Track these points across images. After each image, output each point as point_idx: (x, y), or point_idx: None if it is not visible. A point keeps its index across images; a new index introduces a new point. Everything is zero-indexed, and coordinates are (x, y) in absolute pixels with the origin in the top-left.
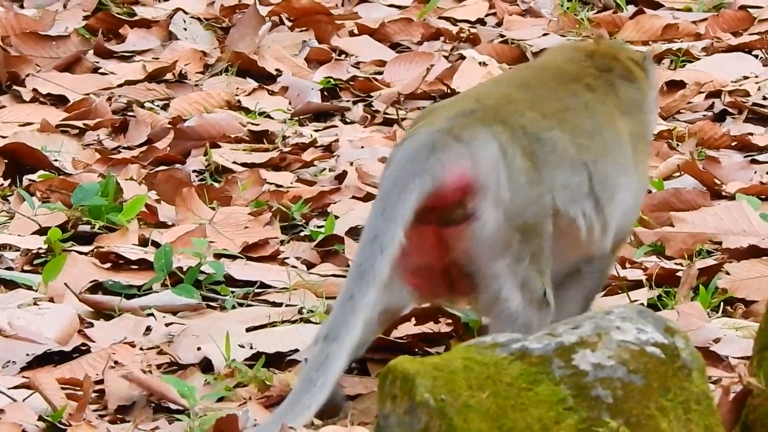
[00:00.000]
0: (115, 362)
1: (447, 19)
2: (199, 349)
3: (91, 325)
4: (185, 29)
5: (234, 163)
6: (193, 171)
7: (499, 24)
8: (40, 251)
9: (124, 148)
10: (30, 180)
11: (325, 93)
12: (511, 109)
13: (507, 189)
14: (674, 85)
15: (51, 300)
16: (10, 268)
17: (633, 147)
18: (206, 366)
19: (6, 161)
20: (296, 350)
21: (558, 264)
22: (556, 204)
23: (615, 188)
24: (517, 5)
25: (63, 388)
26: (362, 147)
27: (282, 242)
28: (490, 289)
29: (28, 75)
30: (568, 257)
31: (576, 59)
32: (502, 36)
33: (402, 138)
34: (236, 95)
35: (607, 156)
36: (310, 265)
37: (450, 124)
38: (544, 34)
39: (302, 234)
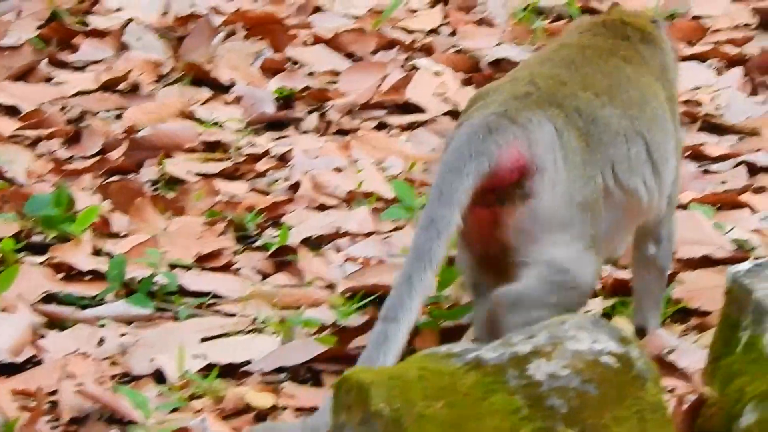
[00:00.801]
0: (69, 373)
1: (401, 29)
2: (152, 359)
3: (44, 336)
4: (139, 39)
5: (188, 173)
6: (147, 181)
7: (453, 34)
8: None
9: (78, 158)
10: None
11: (280, 103)
12: (565, 92)
13: (563, 169)
14: None
15: (3, 310)
16: None
17: (671, 111)
18: (160, 377)
19: None
20: (250, 361)
21: (623, 235)
22: (617, 177)
23: (667, 153)
24: (471, 15)
25: (16, 400)
26: (316, 157)
27: (236, 252)
28: (539, 258)
29: None
30: (632, 226)
31: (598, 32)
32: (456, 45)
33: (458, 122)
34: (190, 105)
35: (656, 123)
36: (264, 276)
37: (505, 107)
38: (498, 44)
39: (256, 244)
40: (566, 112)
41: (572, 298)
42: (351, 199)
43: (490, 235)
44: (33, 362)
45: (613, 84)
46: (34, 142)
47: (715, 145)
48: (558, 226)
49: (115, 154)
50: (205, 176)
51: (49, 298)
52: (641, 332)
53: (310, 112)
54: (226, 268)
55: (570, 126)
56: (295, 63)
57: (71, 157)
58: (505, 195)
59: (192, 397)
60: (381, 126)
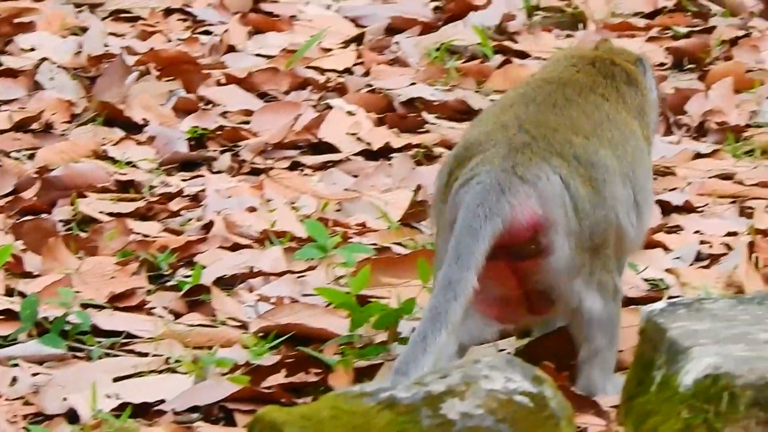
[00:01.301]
0: None
1: (314, 68)
2: (65, 399)
3: None
4: (52, 79)
5: (101, 212)
6: (60, 221)
7: (366, 73)
8: None
9: None
10: None
11: (192, 142)
12: (559, 139)
13: (575, 219)
14: None
15: None
16: None
17: (647, 150)
18: (72, 416)
19: None
20: (163, 400)
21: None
22: (619, 218)
23: (647, 193)
24: (385, 55)
25: None
26: (229, 197)
27: (149, 292)
28: (570, 304)
29: None
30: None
31: (582, 68)
32: (369, 85)
33: (465, 178)
34: (103, 145)
35: (637, 162)
36: (177, 315)
37: (511, 162)
38: (412, 83)
39: (169, 284)
40: (567, 161)
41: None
42: (264, 239)
43: (511, 286)
44: None
45: (596, 125)
46: None
47: None
48: (576, 269)
49: (28, 194)
50: (118, 216)
51: None
52: None
53: (223, 152)
54: (139, 307)
55: (574, 174)
56: (208, 103)
57: None
58: (523, 251)
59: None
60: (294, 166)
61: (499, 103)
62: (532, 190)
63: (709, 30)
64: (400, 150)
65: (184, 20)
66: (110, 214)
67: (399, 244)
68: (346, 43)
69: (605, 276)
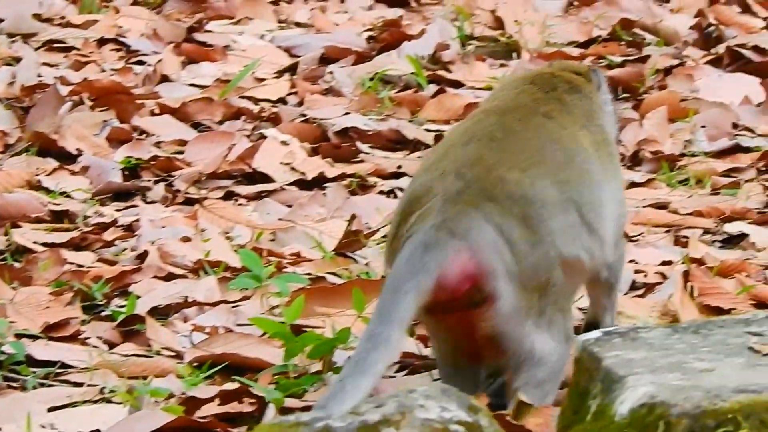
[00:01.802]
0: None
1: (248, 98)
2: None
3: None
4: None
5: (35, 243)
6: None
7: (300, 103)
8: None
9: None
10: None
11: (126, 172)
12: (493, 179)
13: (513, 262)
14: None
15: None
16: None
17: (599, 156)
18: None
19: None
20: (98, 430)
21: (574, 290)
22: (561, 252)
23: (600, 206)
24: (319, 84)
25: None
26: (163, 227)
27: (83, 322)
28: (521, 348)
29: None
30: (581, 282)
31: (523, 89)
32: (303, 115)
33: (404, 238)
34: (37, 175)
35: (584, 179)
36: (111, 345)
37: (442, 216)
38: (346, 113)
39: (103, 314)
40: (501, 204)
41: (565, 359)
42: (198, 269)
43: (467, 335)
44: None
45: (536, 151)
46: None
47: None
48: (524, 312)
49: None
50: (52, 246)
51: None
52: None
53: (157, 182)
54: (73, 337)
55: (508, 216)
56: (142, 133)
57: None
58: (467, 301)
59: None
60: (228, 195)
61: (442, 143)
62: (463, 244)
63: (644, 59)
64: (334, 180)
65: (118, 50)
66: (44, 244)
67: (333, 273)
68: (280, 73)
69: (557, 317)
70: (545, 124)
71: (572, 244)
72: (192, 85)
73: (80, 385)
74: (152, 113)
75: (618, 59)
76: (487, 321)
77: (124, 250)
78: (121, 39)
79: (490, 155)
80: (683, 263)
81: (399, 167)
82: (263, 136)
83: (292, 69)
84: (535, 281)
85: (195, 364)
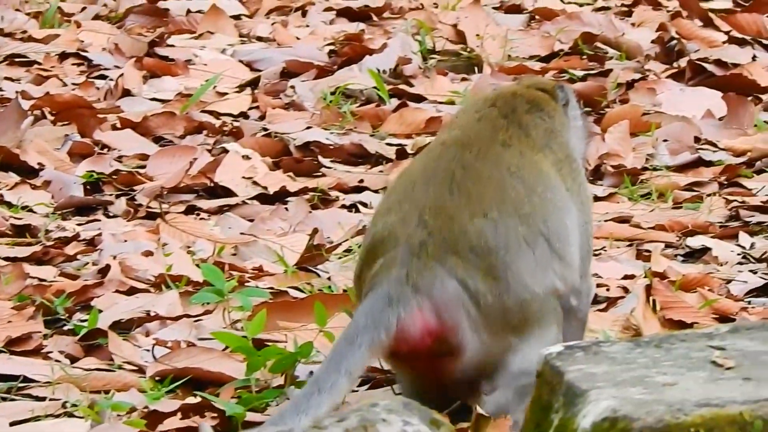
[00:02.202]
0: None
1: (210, 112)
2: None
3: None
4: None
5: None
6: None
7: (262, 117)
8: None
9: None
10: None
11: (88, 187)
12: (456, 231)
13: (479, 315)
14: None
15: None
16: None
17: (562, 176)
18: None
19: None
20: None
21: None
22: (533, 290)
23: (566, 231)
24: (280, 99)
25: None
26: (125, 241)
27: (45, 336)
28: (496, 379)
29: None
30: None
31: (484, 114)
32: (265, 129)
33: (368, 286)
34: None
35: (548, 207)
36: (73, 359)
37: (405, 269)
38: (308, 127)
39: (66, 328)
40: (464, 258)
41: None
42: (160, 283)
43: (434, 379)
44: None
45: (497, 190)
46: None
47: None
48: (501, 351)
49: None
50: (14, 260)
51: None
52: None
53: (118, 196)
54: (35, 352)
55: (472, 270)
56: (104, 147)
57: None
58: (431, 353)
59: None
60: (190, 210)
61: (403, 179)
62: (425, 300)
63: (606, 73)
64: (296, 194)
65: (80, 65)
66: (6, 259)
67: (295, 288)
68: (242, 87)
69: (529, 351)
70: (503, 156)
71: (544, 278)
72: (153, 99)
73: (42, 399)
74: (114, 127)
75: (580, 73)
76: (455, 369)
77: (86, 264)
78: (83, 53)
79: (451, 201)
80: (645, 277)
81: (361, 181)
82: (225, 151)
83: (253, 83)
84: (507, 325)
85: (157, 378)
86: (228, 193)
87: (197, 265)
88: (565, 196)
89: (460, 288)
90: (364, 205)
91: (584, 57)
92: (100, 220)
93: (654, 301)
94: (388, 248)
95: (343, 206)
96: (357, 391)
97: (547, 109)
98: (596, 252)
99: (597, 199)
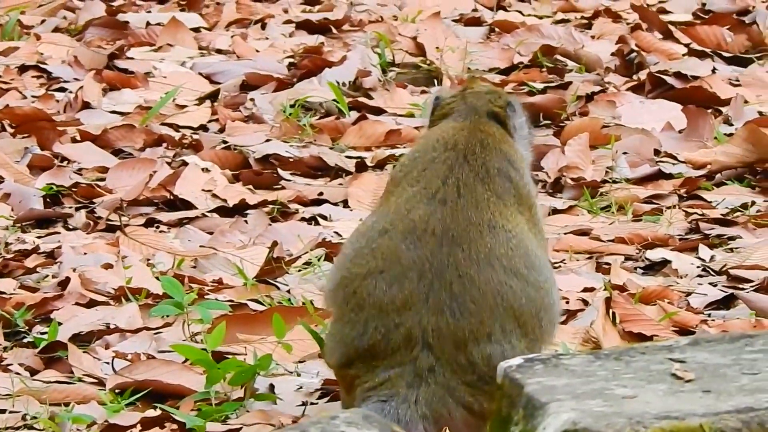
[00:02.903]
0: None
1: (169, 125)
2: None
3: None
4: None
5: None
6: None
7: (221, 130)
8: None
9: None
10: None
11: (48, 200)
12: (463, 360)
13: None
14: None
15: None
16: None
17: (533, 231)
18: None
19: None
20: None
21: None
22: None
23: (538, 259)
24: (240, 111)
25: None
26: (85, 253)
27: (5, 349)
28: None
29: None
30: None
31: (446, 161)
32: (224, 142)
33: (369, 386)
34: None
35: (542, 299)
36: (33, 372)
37: (414, 393)
38: (267, 140)
39: (25, 340)
40: (472, 385)
41: None
42: (120, 296)
43: None
44: None
45: (495, 298)
46: None
47: None
48: None
49: None
50: None
51: None
52: None
53: (78, 209)
54: None
55: (480, 395)
56: (63, 160)
57: None
58: None
59: None
60: (149, 222)
61: (384, 245)
62: (433, 427)
63: (565, 86)
64: (255, 206)
65: (39, 77)
66: None
67: (255, 300)
68: (201, 100)
69: None
70: (493, 246)
71: (545, 320)
72: (113, 112)
73: (2, 411)
74: (73, 140)
75: (539, 86)
76: None
77: (46, 276)
78: (43, 66)
79: (454, 322)
80: (605, 290)
81: (320, 194)
82: (184, 163)
83: (213, 96)
84: None
85: (117, 390)
86: (187, 205)
87: (157, 278)
88: (546, 263)
89: (468, 416)
90: (324, 217)
91: (544, 69)
92: (59, 233)
93: (614, 313)
94: (388, 355)
95: (303, 219)
96: (317, 403)
97: (505, 149)
98: (556, 265)
99: (557, 212)
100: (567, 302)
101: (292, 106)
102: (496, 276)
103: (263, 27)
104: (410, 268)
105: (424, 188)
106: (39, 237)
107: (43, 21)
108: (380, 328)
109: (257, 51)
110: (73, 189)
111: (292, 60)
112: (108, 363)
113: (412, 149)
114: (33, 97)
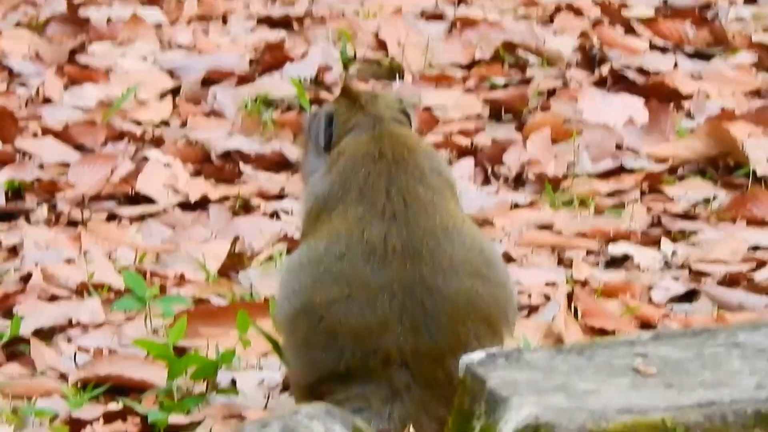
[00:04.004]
0: None
1: (131, 120)
2: None
3: None
4: None
5: None
6: None
7: (183, 125)
8: None
9: None
10: None
11: (9, 195)
12: (441, 376)
13: None
14: None
15: None
16: None
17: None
18: None
19: None
20: None
21: None
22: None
23: (502, 264)
24: (201, 106)
25: None
26: (47, 248)
27: None
28: None
29: None
30: None
31: (380, 167)
32: (186, 137)
33: (341, 397)
34: None
35: (484, 250)
36: None
37: (387, 409)
38: (229, 135)
39: None
40: (449, 401)
41: None
42: (82, 290)
43: None
44: None
45: (467, 307)
46: None
47: None
48: None
49: None
50: None
51: None
52: None
53: (39, 204)
54: None
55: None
56: (25, 155)
57: None
58: None
59: None
60: (111, 217)
61: (344, 265)
62: None
63: (527, 81)
64: (217, 201)
65: (0, 72)
66: None
67: (217, 295)
68: (163, 95)
69: None
70: (455, 254)
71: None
72: (75, 107)
73: None
74: (35, 135)
75: (501, 81)
76: None
77: (8, 271)
78: (4, 62)
79: (429, 339)
80: (567, 284)
81: (282, 189)
82: (146, 158)
83: (174, 91)
84: None
85: (79, 384)
86: (149, 200)
87: (119, 273)
88: (496, 253)
89: (441, 430)
90: (286, 212)
91: (505, 65)
92: (21, 228)
93: (576, 308)
94: (365, 376)
95: (265, 214)
96: (279, 397)
97: (424, 146)
98: (518, 259)
99: (518, 206)
100: (529, 297)
101: (253, 101)
102: (462, 284)
103: (225, 22)
104: (380, 291)
105: (370, 206)
106: (1, 232)
107: (3, 16)
108: (357, 353)
109: (219, 46)
110: (35, 184)
111: (253, 55)
112: (70, 357)
113: (334, 172)
114: None
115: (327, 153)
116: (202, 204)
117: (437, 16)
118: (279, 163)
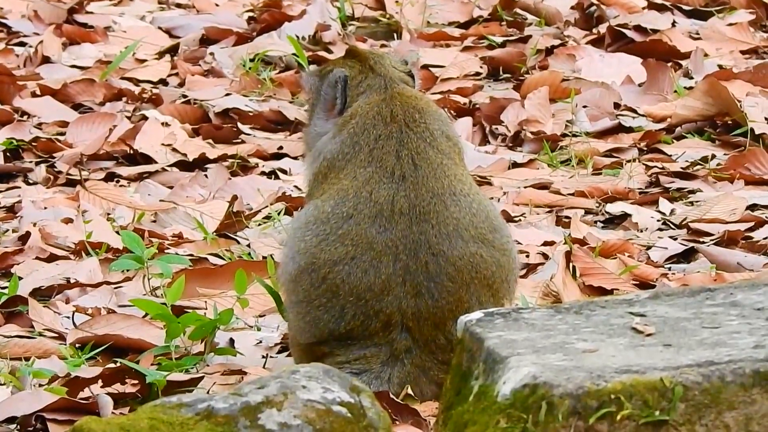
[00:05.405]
0: None
1: (129, 79)
2: None
3: None
4: None
5: None
6: None
7: (181, 84)
8: None
9: None
10: None
11: (8, 154)
12: (442, 339)
13: None
14: None
15: None
16: None
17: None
18: None
19: None
20: None
21: None
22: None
23: (506, 230)
24: (200, 66)
25: None
26: (45, 208)
27: None
28: None
29: None
30: None
31: (391, 128)
32: (184, 96)
33: (342, 360)
34: None
35: (490, 215)
36: None
37: (387, 371)
38: (227, 94)
39: None
40: (444, 361)
41: None
42: (80, 250)
43: None
44: None
45: (471, 272)
46: None
47: None
48: None
49: None
50: None
51: None
52: None
53: (38, 163)
54: None
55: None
56: (23, 114)
57: None
58: None
59: None
60: (109, 177)
61: (352, 225)
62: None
63: (525, 39)
64: (215, 161)
65: None
66: None
67: (215, 254)
68: (161, 54)
69: None
70: (459, 218)
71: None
72: (73, 66)
73: None
74: (33, 95)
75: (499, 39)
76: None
77: (6, 231)
78: (2, 21)
79: (432, 303)
80: (565, 243)
81: (280, 148)
82: (144, 118)
83: (172, 50)
84: None
85: (77, 345)
86: (147, 160)
87: (117, 232)
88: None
89: (440, 392)
90: (284, 171)
91: (503, 23)
92: (20, 187)
93: (574, 267)
94: (365, 338)
95: (263, 173)
96: (276, 357)
97: (432, 108)
98: (516, 218)
99: (517, 165)
100: (527, 256)
101: (251, 60)
102: (467, 248)
103: None
104: (384, 253)
105: (379, 167)
106: None
107: None
108: (359, 315)
109: (217, 5)
110: (33, 143)
111: (251, 14)
112: (68, 317)
113: (345, 133)
114: None
115: (340, 116)
116: (200, 163)
117: None
118: (277, 122)
